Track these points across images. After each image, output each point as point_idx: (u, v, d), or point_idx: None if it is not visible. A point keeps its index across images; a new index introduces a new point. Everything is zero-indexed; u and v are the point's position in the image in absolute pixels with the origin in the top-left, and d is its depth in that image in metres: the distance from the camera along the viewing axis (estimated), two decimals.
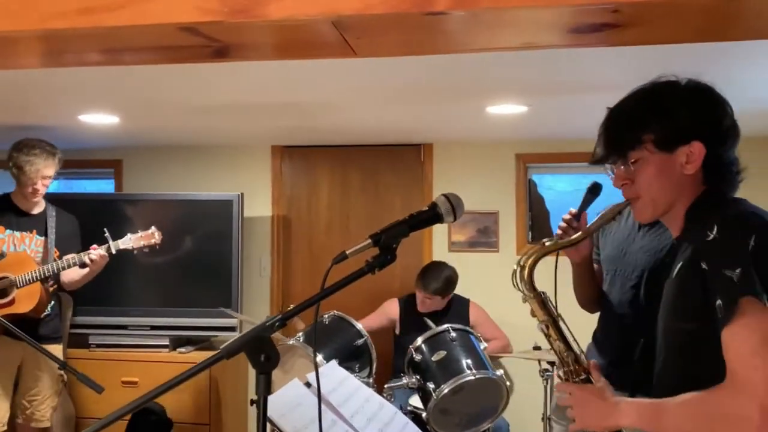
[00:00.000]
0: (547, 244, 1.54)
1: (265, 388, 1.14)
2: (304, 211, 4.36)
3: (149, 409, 3.66)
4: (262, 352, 1.13)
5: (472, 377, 2.61)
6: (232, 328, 3.88)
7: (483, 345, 2.88)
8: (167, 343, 3.87)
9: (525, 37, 1.12)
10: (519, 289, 1.50)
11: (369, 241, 1.21)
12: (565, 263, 1.91)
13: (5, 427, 3.25)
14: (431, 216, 1.24)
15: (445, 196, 1.24)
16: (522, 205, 4.07)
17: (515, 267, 1.51)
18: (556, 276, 1.55)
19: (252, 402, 3.38)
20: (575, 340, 1.49)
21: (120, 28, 1.09)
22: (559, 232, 1.93)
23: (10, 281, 3.08)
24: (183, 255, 3.96)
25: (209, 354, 4.08)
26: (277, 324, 1.15)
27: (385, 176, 4.27)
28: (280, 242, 4.32)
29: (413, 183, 4.20)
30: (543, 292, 1.50)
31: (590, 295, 2.10)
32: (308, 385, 1.62)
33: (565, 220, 1.95)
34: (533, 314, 1.51)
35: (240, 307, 3.92)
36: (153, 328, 3.90)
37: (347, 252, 1.21)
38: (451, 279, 3.61)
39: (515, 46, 1.17)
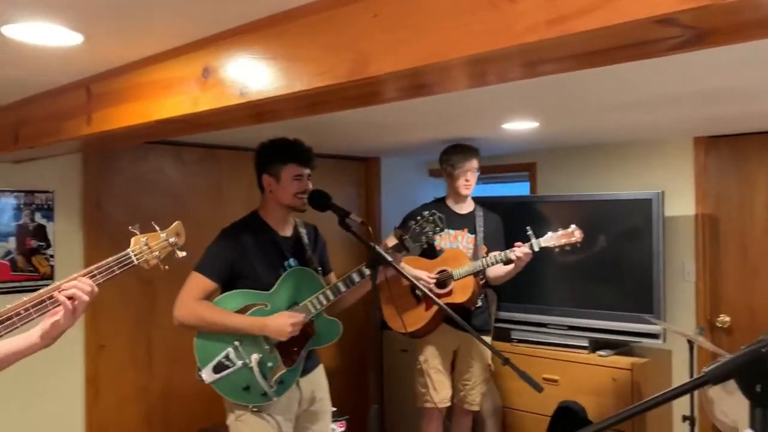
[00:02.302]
0: None
1: (763, 425, 0.97)
2: (735, 209, 3.84)
3: (570, 408, 3.69)
4: (758, 382, 0.97)
5: None
6: (654, 335, 3.64)
7: None
8: (586, 344, 3.84)
9: None
10: None
11: None
12: None
13: (449, 403, 3.66)
14: None
15: None
16: None
17: None
18: None
19: (684, 418, 3.10)
20: None
21: (590, 32, 1.06)
22: None
23: (448, 274, 3.47)
24: (600, 256, 3.88)
25: (630, 360, 3.93)
26: None
27: None
28: (706, 244, 3.88)
29: None
30: None
31: None
32: None
33: None
34: None
35: (663, 312, 3.65)
36: (571, 328, 3.92)
37: None
38: None
39: None
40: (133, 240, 1.76)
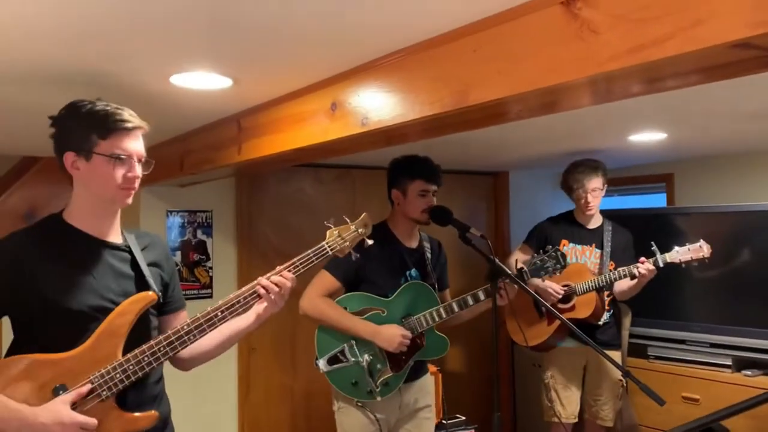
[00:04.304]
0: None
1: None
2: None
3: (711, 428, 3.51)
4: None
5: None
6: None
7: None
8: (729, 363, 3.64)
9: None
10: None
11: None
12: None
13: (576, 419, 3.63)
14: None
15: None
16: None
17: None
18: None
19: None
20: None
21: (668, 59, 1.13)
22: None
23: (571, 289, 3.46)
24: (742, 270, 3.67)
25: None
26: None
27: None
28: None
29: None
30: None
31: None
32: None
33: None
34: None
35: None
36: (713, 345, 3.74)
37: None
38: None
39: None
40: (328, 233, 1.99)
